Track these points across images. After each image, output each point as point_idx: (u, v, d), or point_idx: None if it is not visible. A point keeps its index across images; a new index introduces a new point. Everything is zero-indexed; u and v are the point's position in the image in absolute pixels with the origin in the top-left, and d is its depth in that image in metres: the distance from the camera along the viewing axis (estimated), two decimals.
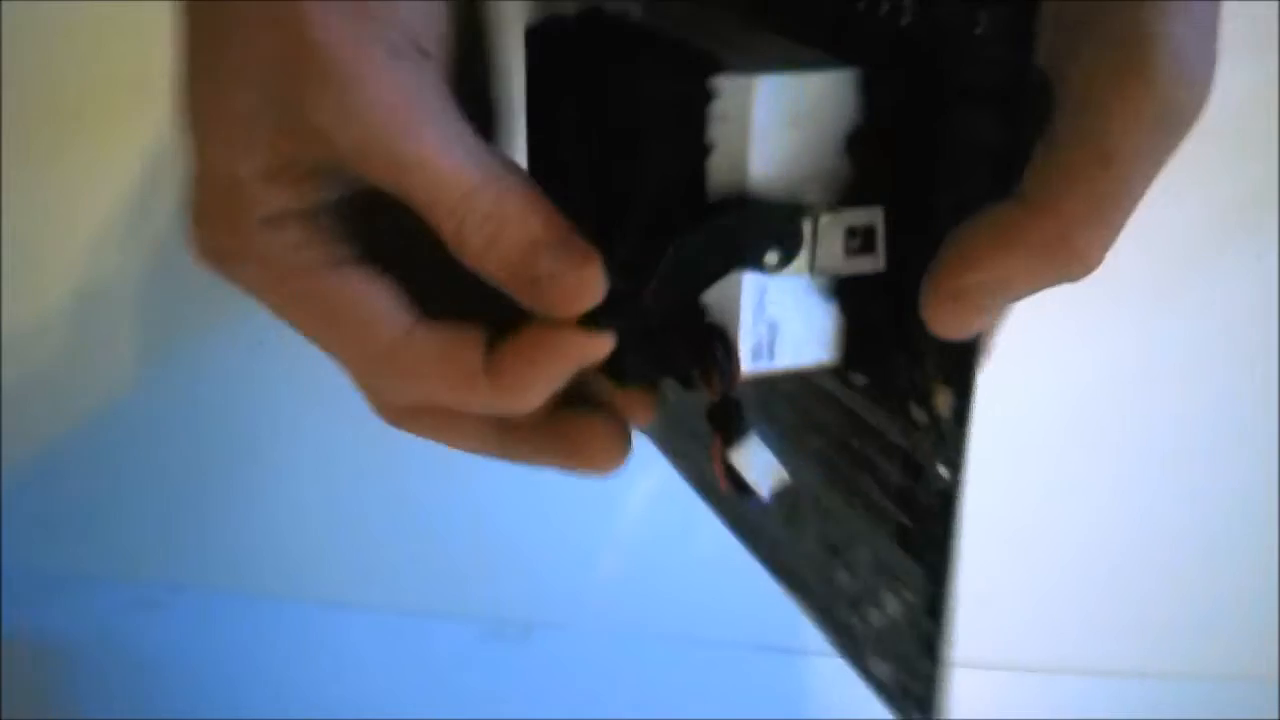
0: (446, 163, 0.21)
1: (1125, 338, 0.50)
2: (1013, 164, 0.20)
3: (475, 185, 0.21)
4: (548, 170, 0.25)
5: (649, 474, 0.55)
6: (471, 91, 0.24)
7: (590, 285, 0.22)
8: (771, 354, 0.24)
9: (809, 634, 0.56)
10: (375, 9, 0.21)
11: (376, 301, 0.23)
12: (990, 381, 0.54)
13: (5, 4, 0.45)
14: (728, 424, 0.25)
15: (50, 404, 0.55)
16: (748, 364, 0.24)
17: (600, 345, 0.23)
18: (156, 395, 0.54)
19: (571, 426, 0.26)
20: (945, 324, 0.22)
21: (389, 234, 0.24)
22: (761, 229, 0.23)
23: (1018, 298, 0.22)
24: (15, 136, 0.48)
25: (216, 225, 0.23)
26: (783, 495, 0.27)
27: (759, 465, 0.25)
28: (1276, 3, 0.44)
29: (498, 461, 0.28)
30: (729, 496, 0.25)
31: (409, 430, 0.26)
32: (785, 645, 0.57)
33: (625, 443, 0.26)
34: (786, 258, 0.23)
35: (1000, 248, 0.21)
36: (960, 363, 0.23)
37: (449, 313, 0.24)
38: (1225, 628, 0.55)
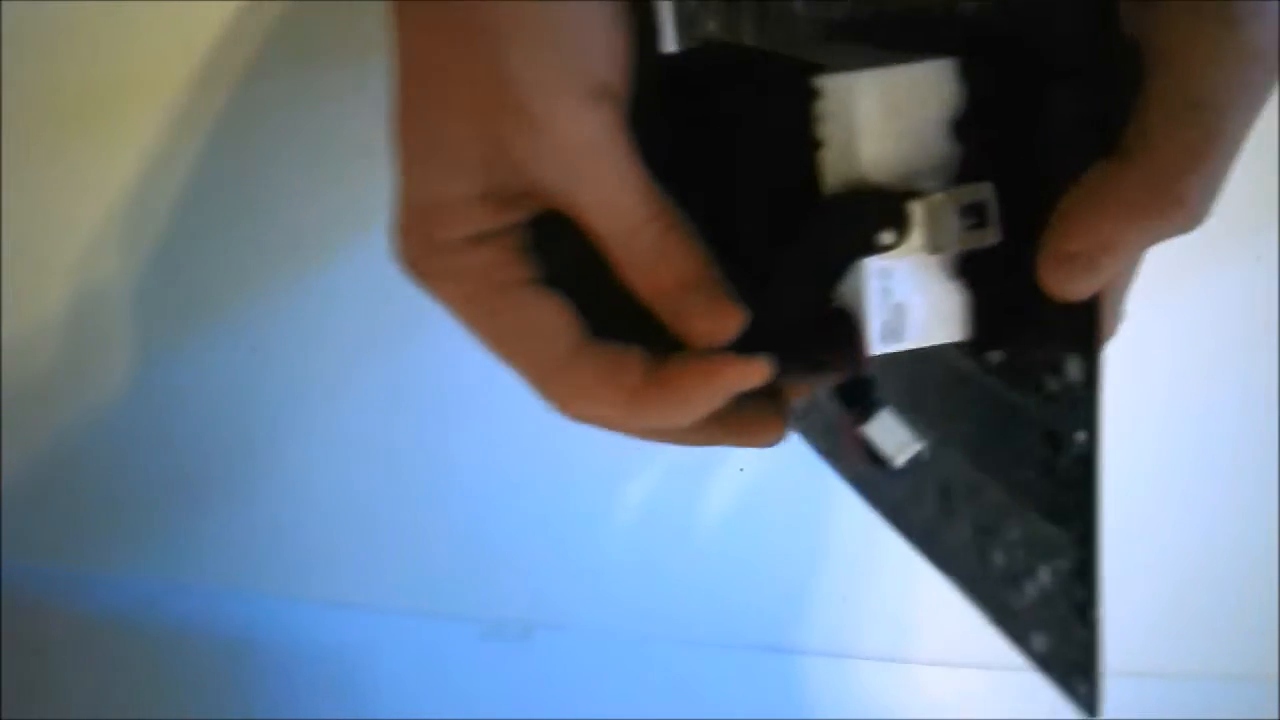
0: (623, 201, 0.24)
1: (1124, 338, 0.50)
2: (1110, 128, 0.21)
3: (643, 222, 0.24)
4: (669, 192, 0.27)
5: (648, 475, 0.55)
6: None
7: (726, 326, 0.25)
8: (900, 334, 0.25)
9: (809, 634, 0.57)
10: (571, 56, 0.23)
11: (554, 320, 0.25)
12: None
13: (5, 4, 0.45)
14: (858, 400, 0.27)
15: (50, 404, 0.55)
16: (877, 345, 0.25)
17: (756, 372, 0.25)
18: (156, 395, 0.54)
19: (737, 414, 0.27)
20: (1061, 285, 0.23)
21: (565, 257, 0.26)
22: (867, 213, 0.24)
23: (1129, 254, 0.22)
24: (15, 136, 0.48)
25: (422, 242, 0.25)
26: (936, 485, 0.29)
27: (891, 437, 0.27)
28: None
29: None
30: (876, 479, 0.26)
31: (588, 424, 0.28)
32: (785, 645, 0.57)
33: (785, 421, 0.28)
34: (899, 237, 0.24)
35: (1103, 205, 0.22)
36: (1085, 327, 0.24)
37: (613, 332, 0.26)
38: (1225, 628, 0.55)
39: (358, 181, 0.50)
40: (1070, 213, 0.22)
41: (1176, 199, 0.21)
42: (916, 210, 0.24)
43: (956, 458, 0.30)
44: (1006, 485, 0.28)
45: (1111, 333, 0.24)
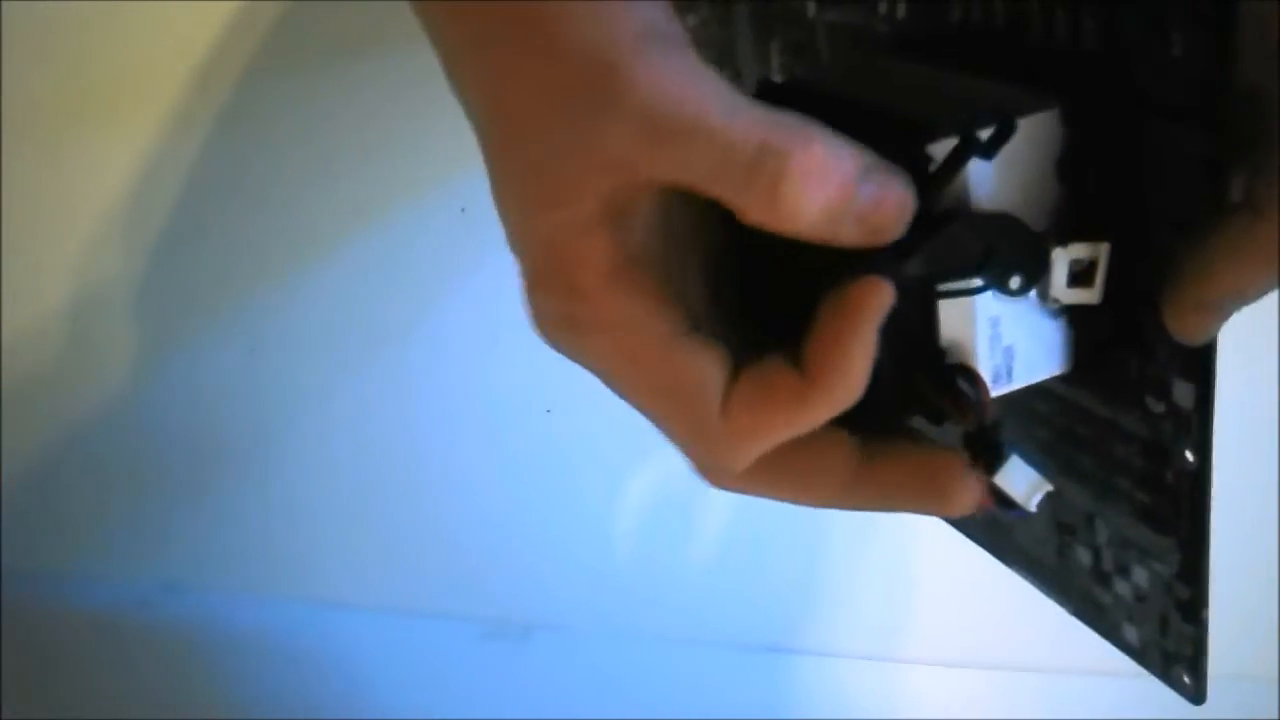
0: (736, 124, 0.21)
1: None
2: (1222, 174, 0.21)
3: (773, 138, 0.21)
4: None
5: (648, 476, 0.55)
6: None
7: (909, 197, 0.22)
8: (1010, 376, 0.25)
9: (808, 634, 0.56)
10: (625, 8, 0.21)
11: (714, 374, 0.23)
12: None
13: (5, 4, 0.45)
14: (988, 451, 0.26)
15: (50, 404, 0.55)
16: (991, 390, 0.25)
17: (887, 290, 0.23)
18: (156, 396, 0.54)
19: (928, 463, 0.26)
20: (1190, 333, 0.23)
21: (711, 297, 0.24)
22: (1015, 248, 0.23)
23: (1254, 300, 0.23)
24: (15, 136, 0.48)
25: (559, 294, 0.23)
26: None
27: (1023, 482, 0.27)
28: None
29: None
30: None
31: (759, 495, 0.26)
32: (785, 645, 0.57)
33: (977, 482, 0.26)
34: (1028, 284, 0.24)
35: (1238, 257, 0.22)
36: (1197, 356, 0.24)
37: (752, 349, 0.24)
38: (1225, 628, 0.55)
39: (357, 181, 0.50)
40: (1203, 264, 0.22)
41: None
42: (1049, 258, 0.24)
43: (1037, 458, 0.30)
44: (1093, 491, 0.28)
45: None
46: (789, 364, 0.23)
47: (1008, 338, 0.25)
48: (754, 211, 0.21)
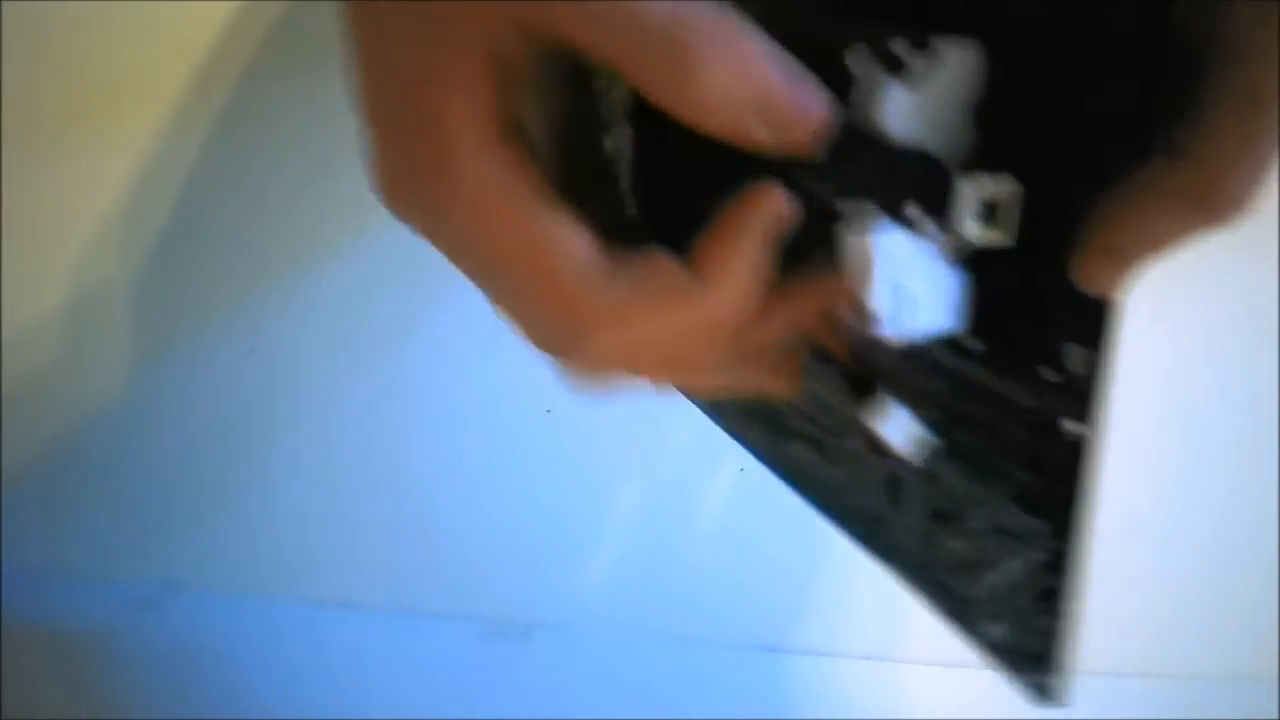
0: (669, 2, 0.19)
1: (1124, 338, 0.50)
2: (1150, 126, 0.21)
3: (706, 23, 0.20)
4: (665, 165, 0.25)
5: (648, 475, 0.55)
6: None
7: (825, 109, 0.22)
8: (900, 322, 0.25)
9: (808, 634, 0.56)
10: None
11: (583, 243, 0.22)
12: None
13: (5, 4, 0.45)
14: (867, 391, 0.26)
15: (50, 404, 0.55)
16: (879, 329, 0.24)
17: (781, 198, 0.23)
18: (155, 396, 0.54)
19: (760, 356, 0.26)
20: (1099, 282, 0.23)
21: (567, 172, 0.23)
22: (922, 180, 0.23)
23: (1168, 250, 0.22)
24: (15, 136, 0.48)
25: (423, 151, 0.21)
26: (884, 473, 0.28)
27: (902, 428, 0.27)
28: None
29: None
30: (813, 465, 0.26)
31: (625, 373, 0.25)
32: (784, 645, 0.57)
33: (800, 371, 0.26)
34: (932, 214, 0.23)
35: (1154, 201, 0.21)
36: (1094, 319, 0.23)
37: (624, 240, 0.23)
38: (1225, 628, 0.55)
39: (357, 182, 0.50)
40: (1117, 208, 0.22)
41: (1230, 194, 0.21)
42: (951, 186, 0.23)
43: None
44: (972, 472, 0.28)
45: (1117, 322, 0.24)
46: (676, 257, 0.23)
47: (907, 282, 0.24)
48: (662, 90, 0.20)
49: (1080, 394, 0.24)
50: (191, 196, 0.50)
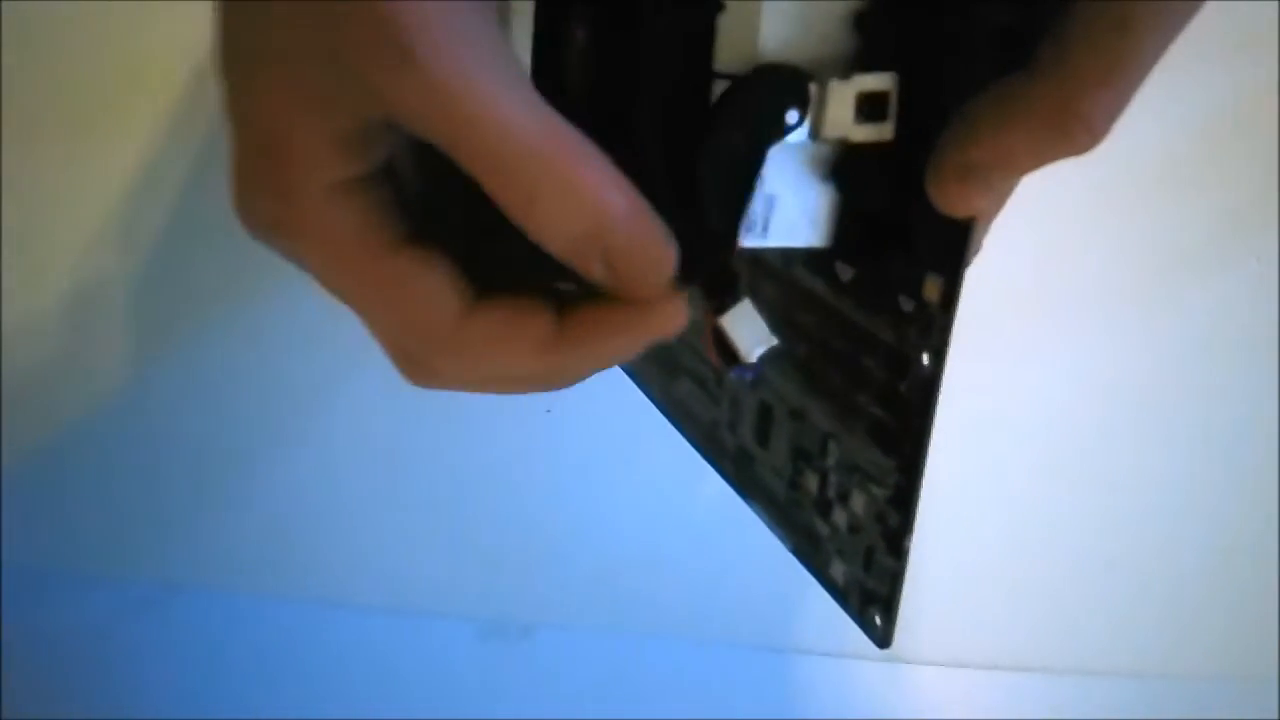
0: (514, 123, 0.19)
1: (1124, 338, 0.50)
2: (1021, 42, 0.21)
3: (545, 150, 0.20)
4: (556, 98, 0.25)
5: (648, 474, 0.55)
6: None
7: (666, 264, 0.22)
8: (765, 230, 0.24)
9: (808, 634, 0.56)
10: None
11: (438, 285, 0.22)
12: (991, 381, 0.54)
13: (5, 4, 0.45)
14: (721, 290, 0.26)
15: (49, 403, 0.55)
16: (744, 235, 0.24)
17: (681, 317, 0.23)
18: (155, 395, 0.54)
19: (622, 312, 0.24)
20: (951, 200, 0.22)
21: (440, 207, 0.23)
22: (771, 89, 0.23)
23: (1023, 171, 0.22)
24: (15, 136, 0.48)
25: (270, 194, 0.21)
26: (757, 407, 0.28)
27: (748, 331, 0.26)
28: (1277, 2, 0.44)
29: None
30: (690, 402, 0.25)
31: (461, 389, 0.26)
32: (784, 645, 0.57)
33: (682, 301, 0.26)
34: (800, 118, 0.23)
35: (1007, 118, 0.21)
36: (950, 250, 0.23)
37: (502, 285, 0.23)
38: (1225, 628, 0.55)
39: None
40: (974, 122, 0.22)
41: (1084, 117, 0.20)
42: (815, 91, 0.23)
43: (784, 380, 0.29)
44: (835, 409, 0.28)
45: (971, 259, 0.23)
46: (552, 310, 0.23)
47: (772, 186, 0.24)
48: (509, 210, 0.20)
49: (930, 326, 0.24)
50: (191, 196, 0.50)
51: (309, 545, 0.57)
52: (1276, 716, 0.53)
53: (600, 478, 0.55)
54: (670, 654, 0.57)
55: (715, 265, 0.25)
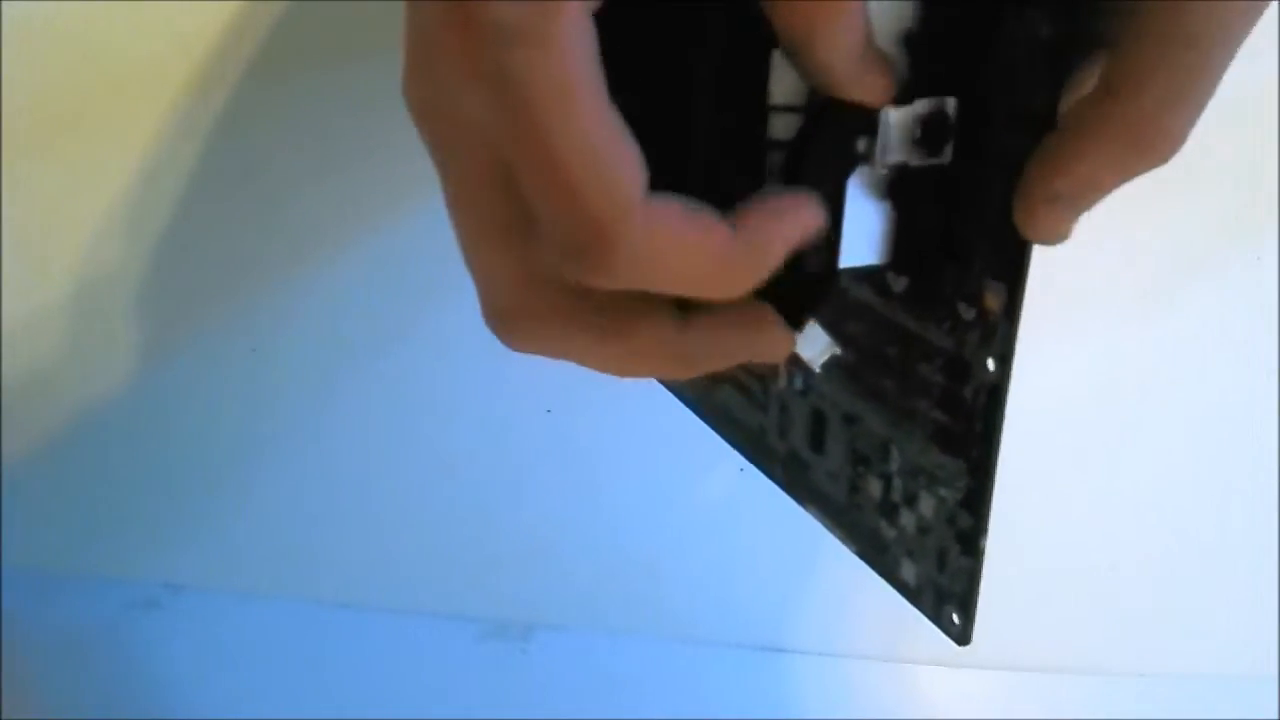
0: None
1: (1124, 338, 0.50)
2: (1073, 62, 0.21)
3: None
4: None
5: (648, 474, 0.55)
6: None
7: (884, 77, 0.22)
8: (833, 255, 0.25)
9: (808, 634, 0.56)
10: None
11: (635, 152, 0.20)
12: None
13: (5, 4, 0.45)
14: (807, 300, 0.26)
15: (50, 403, 0.55)
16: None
17: (816, 212, 0.23)
18: (156, 395, 0.54)
19: (744, 312, 0.24)
20: (1041, 230, 0.22)
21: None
22: (844, 120, 0.23)
23: (1110, 190, 0.22)
24: (15, 136, 0.48)
25: (458, 27, 0.19)
26: (808, 415, 0.29)
27: (813, 339, 0.27)
28: (1277, 2, 0.44)
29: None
30: (734, 409, 0.25)
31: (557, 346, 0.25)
32: (785, 645, 0.57)
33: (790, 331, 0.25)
34: (870, 145, 0.23)
35: (1088, 142, 0.21)
36: (1012, 259, 0.23)
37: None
38: (1225, 628, 0.55)
39: (358, 182, 0.50)
40: (1055, 152, 0.22)
41: (1166, 134, 0.21)
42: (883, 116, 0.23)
43: (835, 386, 0.30)
44: (891, 415, 0.28)
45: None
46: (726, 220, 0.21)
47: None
48: (794, 22, 0.20)
49: (992, 333, 0.24)
50: (191, 196, 0.50)
51: (309, 545, 0.57)
52: (1276, 716, 0.53)
53: (600, 478, 0.55)
54: (670, 655, 0.57)
55: (823, 304, 0.26)
